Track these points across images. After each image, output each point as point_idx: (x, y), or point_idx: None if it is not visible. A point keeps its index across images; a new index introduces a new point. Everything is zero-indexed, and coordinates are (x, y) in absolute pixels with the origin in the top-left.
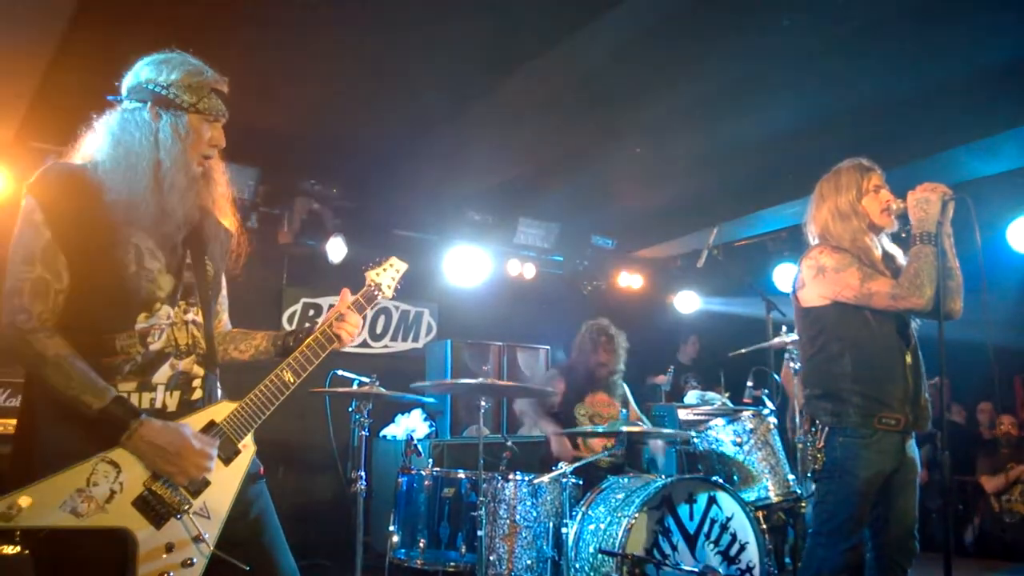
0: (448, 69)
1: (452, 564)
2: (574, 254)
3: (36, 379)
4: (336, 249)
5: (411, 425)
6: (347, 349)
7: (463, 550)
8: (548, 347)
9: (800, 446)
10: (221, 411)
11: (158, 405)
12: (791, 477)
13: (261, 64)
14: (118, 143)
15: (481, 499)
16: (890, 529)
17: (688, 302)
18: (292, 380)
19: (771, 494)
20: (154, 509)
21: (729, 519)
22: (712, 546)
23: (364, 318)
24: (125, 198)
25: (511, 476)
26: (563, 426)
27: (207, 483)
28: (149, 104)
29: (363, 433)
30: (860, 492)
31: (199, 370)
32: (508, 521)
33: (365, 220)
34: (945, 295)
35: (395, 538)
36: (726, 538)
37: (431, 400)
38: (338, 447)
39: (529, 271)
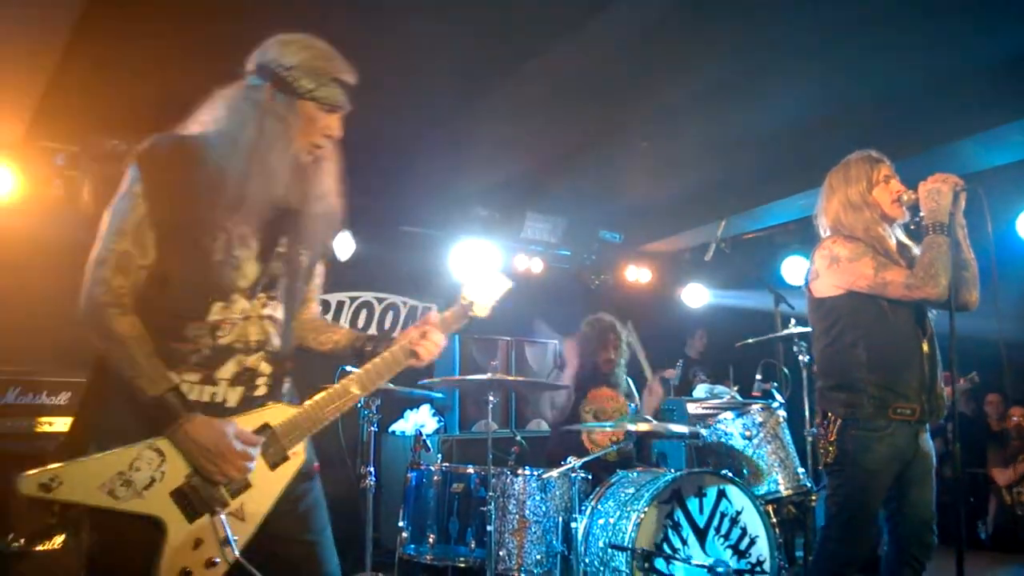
0: (454, 63)
1: (462, 559)
2: (581, 248)
3: (103, 354)
4: (344, 245)
5: (420, 420)
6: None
7: (472, 545)
8: (556, 341)
9: (809, 439)
10: (278, 415)
11: (219, 399)
12: (801, 471)
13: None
14: (228, 119)
15: (490, 494)
16: (906, 522)
17: (696, 296)
18: (357, 392)
19: (781, 488)
20: (190, 503)
21: (739, 513)
22: (722, 540)
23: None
24: (224, 177)
25: (520, 471)
26: (567, 423)
27: (248, 485)
28: (267, 84)
29: (372, 428)
30: (871, 486)
31: (267, 367)
32: (517, 516)
33: (372, 216)
34: (960, 286)
35: (404, 533)
36: (736, 532)
37: (440, 395)
38: (347, 443)
39: (537, 266)
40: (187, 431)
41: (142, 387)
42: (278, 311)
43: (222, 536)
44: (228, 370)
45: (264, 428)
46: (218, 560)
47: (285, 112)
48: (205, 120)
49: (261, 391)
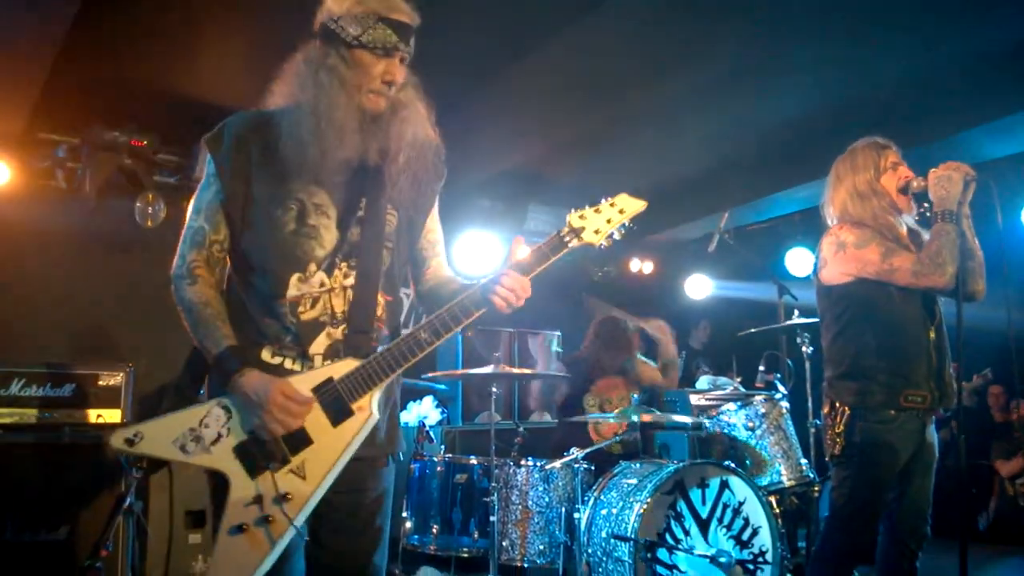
0: (457, 54)
1: (465, 550)
2: None
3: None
4: None
5: (423, 411)
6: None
7: (476, 536)
8: (559, 333)
9: (812, 430)
10: (342, 368)
11: None
12: (804, 462)
13: (271, 52)
14: (290, 85)
15: (493, 485)
16: (903, 512)
17: (700, 287)
18: (427, 339)
19: (784, 479)
20: (251, 458)
21: (742, 503)
22: (725, 531)
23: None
24: (291, 145)
25: (523, 462)
26: (572, 415)
27: (308, 442)
28: (319, 41)
29: None
30: (879, 478)
31: (358, 339)
32: (520, 507)
33: None
34: (966, 275)
35: (408, 524)
36: (739, 522)
37: (443, 387)
38: None
39: None
40: (238, 383)
41: (207, 348)
42: (358, 280)
43: (282, 492)
44: (320, 344)
45: (327, 382)
46: (274, 517)
47: (337, 64)
48: (274, 95)
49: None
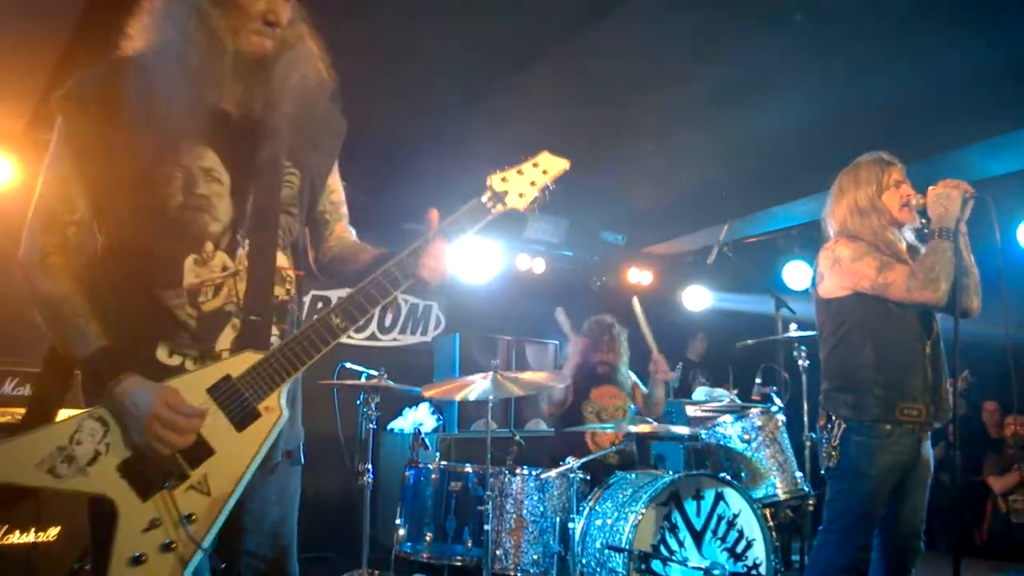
0: (458, 63)
1: (458, 558)
2: (584, 249)
3: (38, 318)
4: None
5: (419, 418)
6: (355, 342)
7: (469, 544)
8: (557, 342)
9: (808, 444)
10: (241, 363)
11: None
12: (799, 475)
13: None
14: (152, 28)
15: (488, 493)
16: (897, 528)
17: (697, 298)
18: (340, 324)
19: (779, 492)
20: (141, 477)
21: (736, 516)
22: (719, 543)
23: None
24: (162, 98)
25: (518, 471)
26: (570, 424)
27: (210, 452)
28: None
29: (370, 426)
30: (873, 492)
31: (255, 327)
32: (515, 516)
33: (373, 214)
34: (961, 293)
35: (401, 531)
36: (733, 535)
37: None
38: (345, 440)
39: (539, 266)
40: (114, 393)
41: (74, 351)
42: (252, 251)
43: (182, 513)
44: (227, 338)
45: (224, 381)
46: (176, 544)
47: (205, 5)
48: (136, 36)
49: None
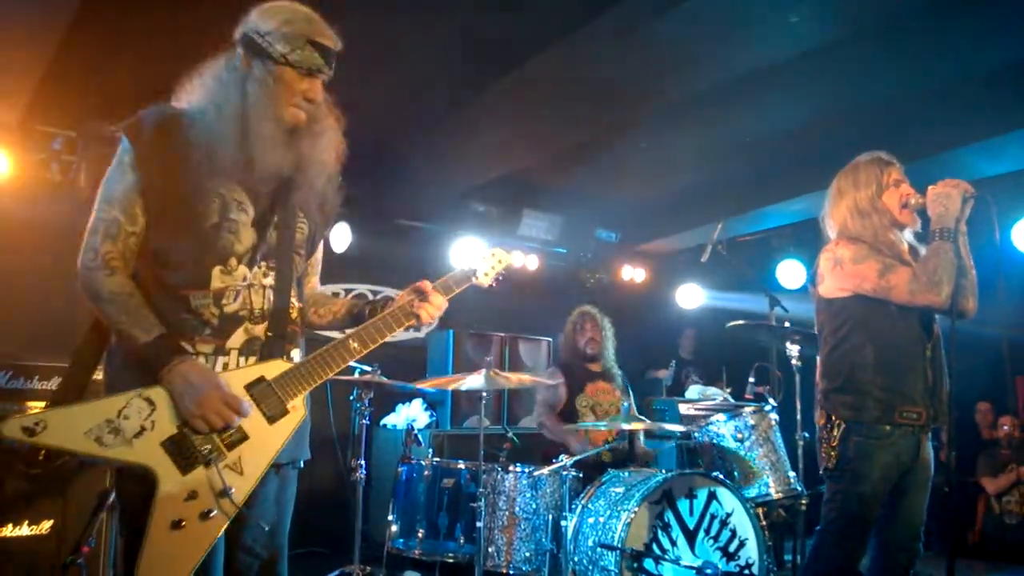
0: (455, 60)
1: (450, 555)
2: (578, 247)
3: (98, 316)
4: (341, 237)
5: (412, 414)
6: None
7: (461, 541)
8: (550, 339)
9: (801, 443)
10: (274, 368)
11: (232, 368)
12: (792, 474)
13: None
14: (211, 89)
15: (481, 490)
16: (896, 528)
17: (691, 296)
18: (357, 348)
19: (772, 491)
20: (183, 453)
21: (729, 515)
22: (711, 542)
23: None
24: (214, 145)
25: (511, 468)
26: (566, 419)
27: (245, 438)
28: (244, 51)
29: (364, 421)
30: (871, 493)
31: (277, 343)
32: (507, 513)
33: (369, 209)
34: (959, 293)
35: (394, 527)
36: (726, 534)
37: (432, 390)
38: (338, 435)
39: (532, 263)
40: (180, 370)
41: (135, 336)
42: (277, 283)
43: (219, 487)
44: (238, 339)
45: (259, 381)
46: (214, 511)
47: (264, 76)
48: (191, 94)
49: None
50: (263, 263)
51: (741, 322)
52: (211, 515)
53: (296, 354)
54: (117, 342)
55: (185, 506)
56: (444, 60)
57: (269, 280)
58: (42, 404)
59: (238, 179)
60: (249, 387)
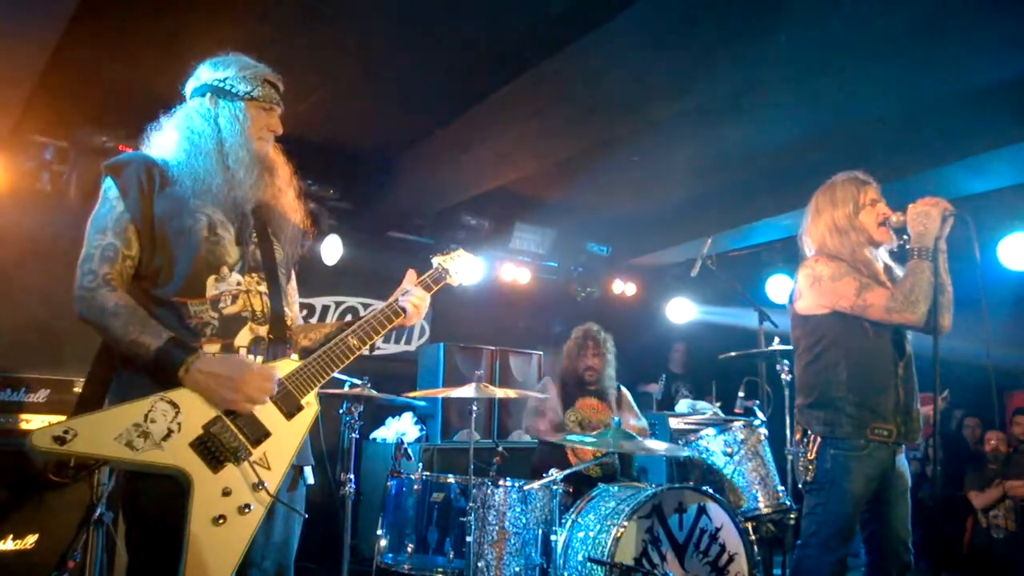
0: (447, 73)
1: (440, 570)
2: (569, 260)
3: (103, 334)
4: (332, 249)
5: (401, 428)
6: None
7: (451, 556)
8: (541, 352)
9: (790, 458)
10: (284, 367)
11: None
12: (781, 488)
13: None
14: (184, 134)
15: (470, 504)
16: (885, 542)
17: (681, 311)
18: (356, 345)
19: (761, 505)
20: (211, 452)
21: (718, 529)
22: (701, 556)
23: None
24: (194, 175)
25: (501, 482)
26: (553, 430)
27: (268, 434)
28: (208, 95)
29: (353, 435)
30: (849, 505)
31: (279, 345)
32: (497, 527)
33: (361, 222)
34: (935, 311)
35: (383, 542)
36: (715, 548)
37: (422, 403)
38: (327, 449)
39: (523, 276)
40: (199, 367)
41: (145, 343)
42: (270, 292)
43: (253, 481)
44: (244, 337)
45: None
46: (252, 505)
47: (234, 111)
48: (163, 145)
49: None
50: (253, 273)
51: (732, 353)
52: (248, 509)
53: (295, 359)
54: (123, 363)
55: (223, 502)
56: (436, 74)
57: (263, 287)
58: (31, 417)
59: (218, 203)
60: None
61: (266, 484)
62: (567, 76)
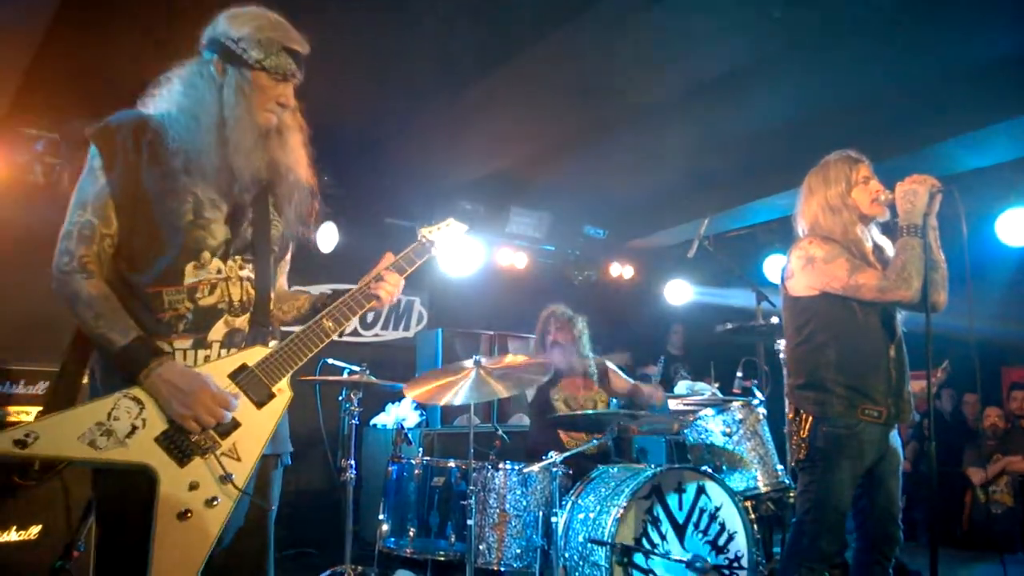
0: (441, 57)
1: (441, 553)
2: (566, 244)
3: (75, 320)
4: (327, 237)
5: (401, 414)
6: (338, 338)
7: (452, 539)
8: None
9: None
10: (255, 354)
11: (213, 361)
12: (779, 467)
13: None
14: (184, 95)
15: (471, 488)
16: (874, 518)
17: (679, 292)
18: (332, 327)
19: (760, 484)
20: (178, 446)
21: (718, 509)
22: (701, 535)
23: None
24: (188, 150)
25: (501, 465)
26: (542, 415)
27: (236, 425)
28: (218, 58)
29: (353, 422)
30: (843, 481)
31: (260, 331)
32: (498, 510)
33: (356, 208)
34: (929, 287)
35: (384, 527)
36: (715, 528)
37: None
38: (328, 435)
39: (520, 260)
40: (160, 373)
41: (112, 339)
42: (255, 274)
43: (219, 474)
44: (218, 331)
45: (242, 368)
46: (219, 499)
47: (240, 82)
48: (161, 99)
49: None
50: (238, 256)
51: (729, 326)
52: (215, 502)
53: (273, 345)
54: (97, 349)
55: (189, 496)
56: (430, 58)
57: (246, 272)
58: (26, 408)
59: (212, 179)
60: (233, 375)
61: (233, 477)
62: (559, 58)
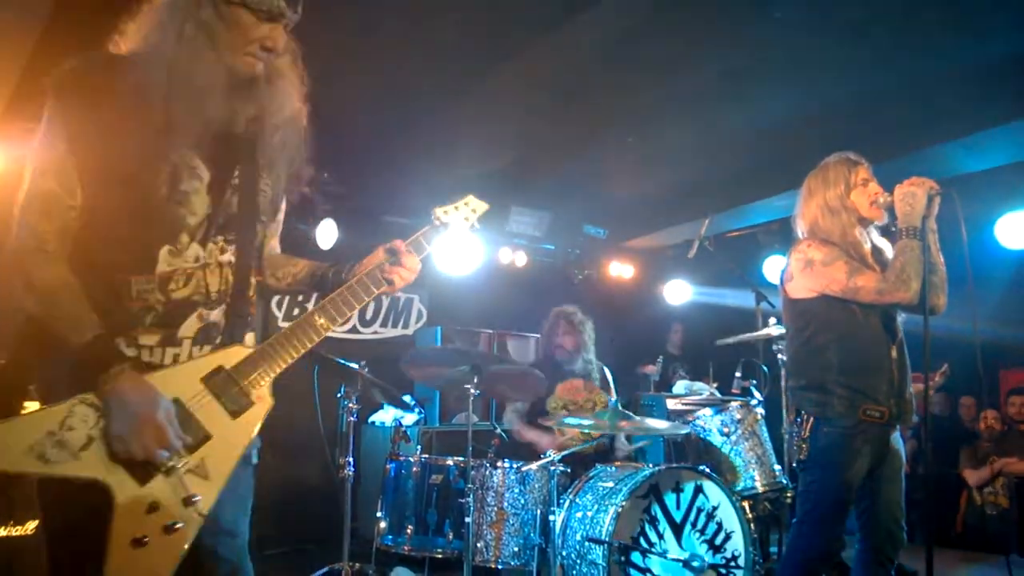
0: (441, 55)
1: (439, 550)
2: (566, 243)
3: (27, 307)
4: (327, 233)
5: (399, 412)
6: (336, 334)
7: (450, 537)
8: (538, 335)
9: (787, 437)
10: (233, 355)
11: (183, 360)
12: (777, 468)
13: None
14: (152, 32)
15: (469, 486)
16: (878, 520)
17: (678, 292)
18: (324, 325)
19: (757, 484)
20: (139, 463)
21: (715, 508)
22: (698, 535)
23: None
24: (147, 97)
25: (499, 463)
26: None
27: (207, 436)
28: None
29: (351, 419)
30: (844, 482)
31: (237, 324)
32: (496, 508)
33: (355, 206)
34: (929, 290)
35: (382, 524)
36: (712, 527)
37: (419, 385)
38: (326, 433)
39: (520, 259)
40: (115, 386)
41: (66, 336)
42: (238, 257)
43: (182, 495)
44: (191, 327)
45: (218, 371)
46: (180, 524)
47: (210, 19)
48: (131, 36)
49: None
50: (219, 237)
51: (730, 340)
52: (176, 528)
53: (250, 338)
54: (50, 344)
55: (147, 520)
56: (430, 58)
57: (227, 256)
58: (29, 404)
59: (188, 139)
60: (206, 379)
61: (198, 499)
62: (559, 57)
